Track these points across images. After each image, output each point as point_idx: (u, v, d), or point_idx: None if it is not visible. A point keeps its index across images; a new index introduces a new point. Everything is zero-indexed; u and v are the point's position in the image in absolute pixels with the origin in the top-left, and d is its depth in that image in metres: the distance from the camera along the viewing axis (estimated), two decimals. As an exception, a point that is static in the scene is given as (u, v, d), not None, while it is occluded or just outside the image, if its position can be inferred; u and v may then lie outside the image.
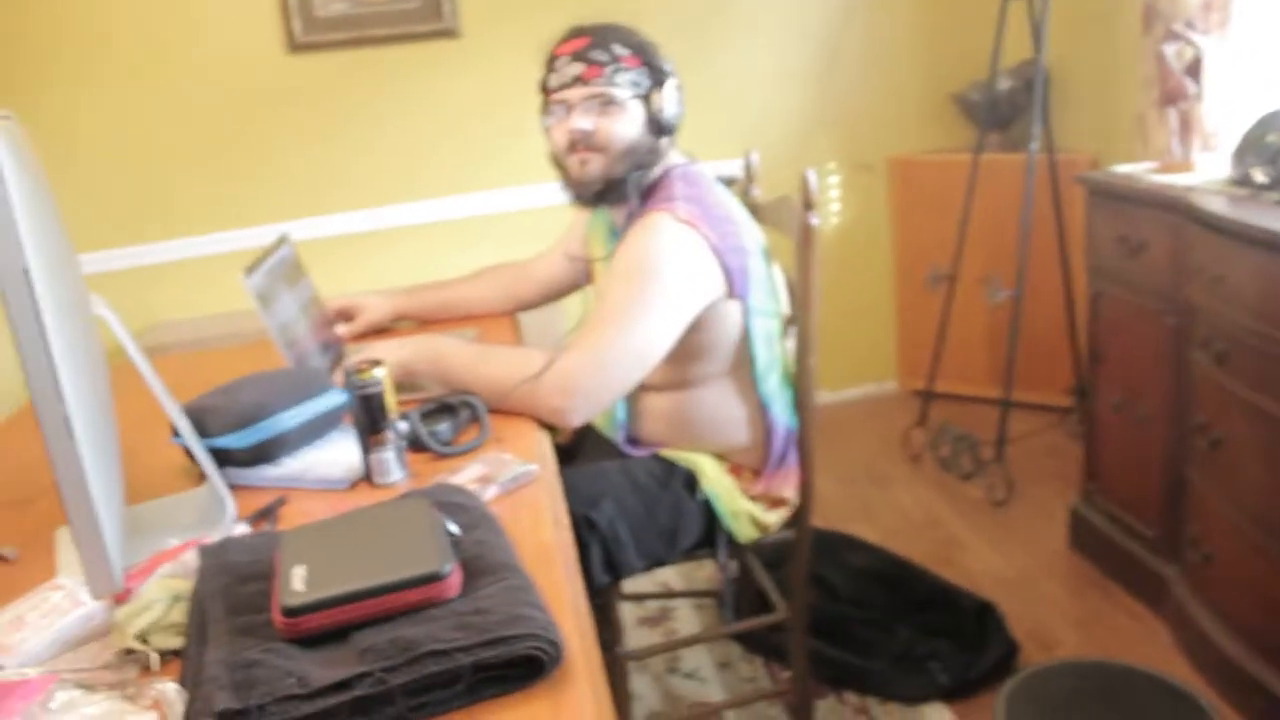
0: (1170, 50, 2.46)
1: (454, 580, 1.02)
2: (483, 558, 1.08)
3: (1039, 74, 3.04)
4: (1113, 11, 3.20)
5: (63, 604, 1.15)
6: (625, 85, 1.75)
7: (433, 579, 1.01)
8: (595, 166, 1.79)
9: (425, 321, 2.24)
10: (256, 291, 1.69)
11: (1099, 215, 2.52)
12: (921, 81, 3.76)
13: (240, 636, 1.00)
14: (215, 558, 1.14)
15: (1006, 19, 3.14)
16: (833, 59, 3.68)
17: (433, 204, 3.49)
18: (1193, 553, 2.25)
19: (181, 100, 3.27)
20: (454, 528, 1.13)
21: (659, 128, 1.78)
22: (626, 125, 1.76)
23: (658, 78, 1.78)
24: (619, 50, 1.76)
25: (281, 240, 1.96)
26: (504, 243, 3.47)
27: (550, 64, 1.81)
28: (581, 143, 1.78)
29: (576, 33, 1.79)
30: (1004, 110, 3.46)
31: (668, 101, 1.78)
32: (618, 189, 1.79)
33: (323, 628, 0.99)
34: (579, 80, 1.75)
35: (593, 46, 1.76)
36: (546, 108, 1.83)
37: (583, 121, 1.76)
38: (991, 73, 3.22)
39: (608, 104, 1.75)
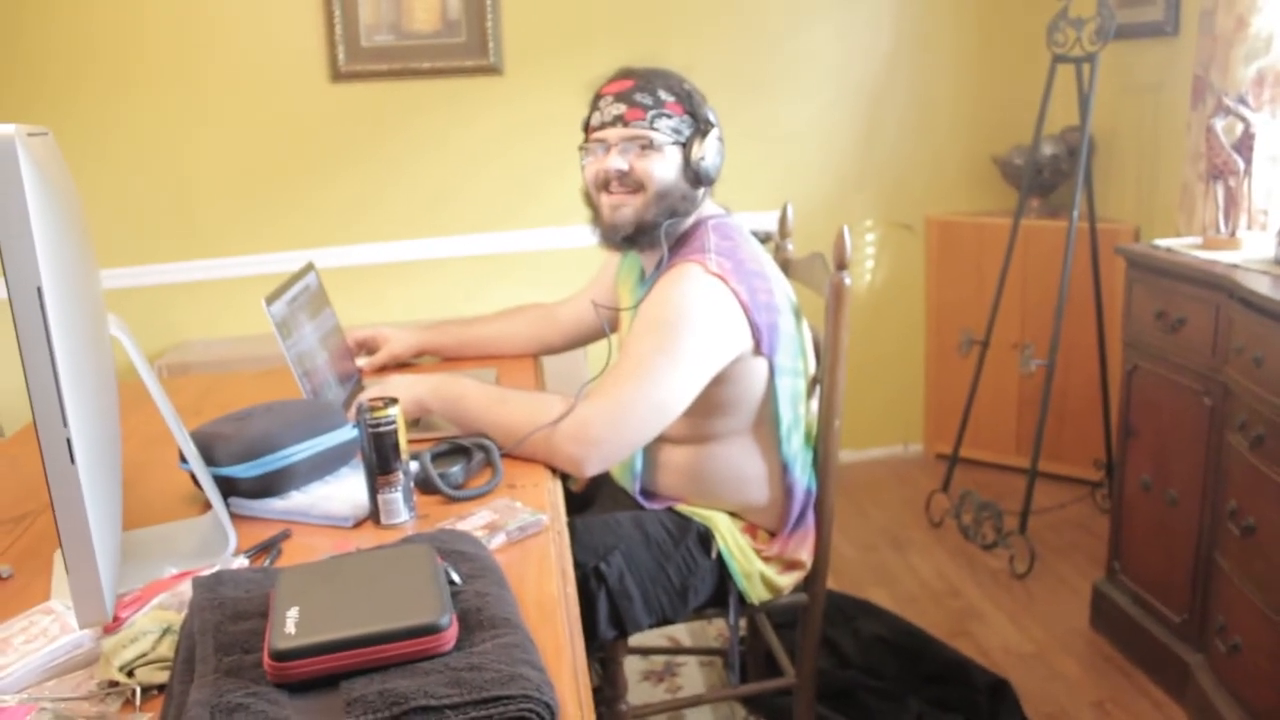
0: (1220, 124, 2.42)
1: (450, 633, 0.98)
2: (483, 610, 1.05)
3: (1084, 141, 3.01)
4: (1162, 82, 3.17)
5: (51, 629, 1.12)
6: (666, 130, 1.73)
7: (429, 630, 0.97)
8: (628, 211, 1.76)
9: (447, 358, 2.21)
10: (277, 320, 1.67)
11: (1139, 288, 2.47)
12: (963, 142, 3.73)
13: (226, 677, 0.96)
14: (209, 591, 1.11)
15: (1053, 84, 3.12)
16: (875, 115, 3.67)
17: (463, 239, 3.49)
18: (1220, 641, 2.17)
19: (217, 120, 3.29)
20: (455, 576, 1.10)
21: (696, 177, 1.76)
22: (663, 169, 1.74)
23: (700, 127, 1.76)
24: (663, 95, 1.74)
25: (307, 268, 1.95)
26: (532, 282, 3.47)
27: (594, 103, 1.79)
28: (616, 181, 1.76)
29: (624, 74, 1.78)
30: (1046, 176, 3.43)
31: (708, 151, 1.75)
32: (649, 234, 1.77)
33: (312, 674, 0.95)
34: (620, 120, 1.74)
35: (638, 89, 1.74)
36: (586, 145, 1.81)
37: (619, 161, 1.75)
38: (1035, 137, 3.19)
39: (646, 147, 1.73)
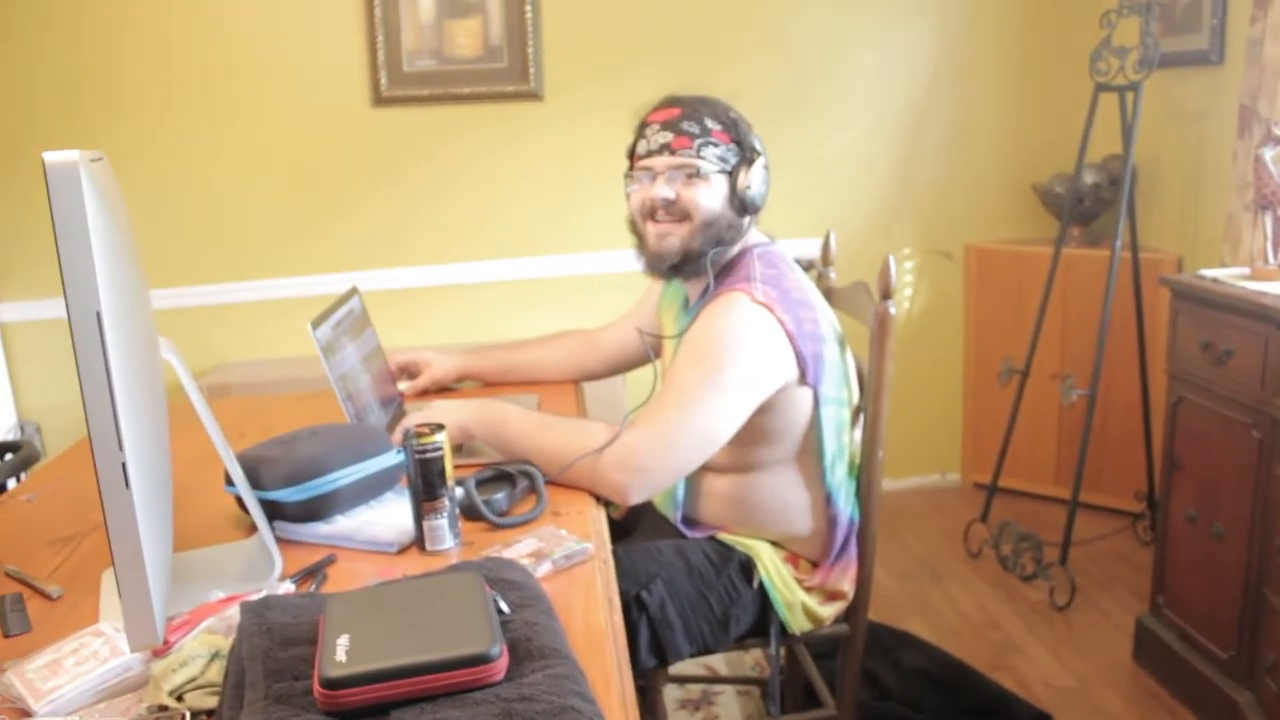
0: (1269, 154, 2.40)
1: (501, 663, 0.98)
2: (532, 640, 1.04)
3: (1127, 170, 2.99)
4: (1207, 110, 3.14)
5: (101, 651, 1.12)
6: (712, 159, 1.73)
7: (480, 660, 0.96)
8: (674, 240, 1.76)
9: (488, 383, 2.22)
10: (323, 344, 1.68)
11: (1184, 319, 2.44)
12: (1004, 170, 3.71)
13: (276, 704, 0.96)
14: (257, 616, 1.11)
15: (1096, 112, 3.10)
16: (915, 142, 3.66)
17: (503, 263, 3.50)
18: (1270, 680, 2.13)
19: (260, 143, 3.33)
20: (504, 606, 1.09)
21: (742, 205, 1.76)
22: (709, 198, 1.74)
23: (747, 155, 1.76)
24: (710, 124, 1.74)
25: (351, 292, 1.96)
26: (572, 307, 3.47)
27: (641, 130, 1.79)
28: (662, 209, 1.75)
29: (671, 102, 1.78)
30: (1087, 205, 3.40)
31: (754, 180, 1.75)
32: (694, 263, 1.76)
33: (363, 703, 0.95)
34: (667, 149, 1.74)
35: (685, 118, 1.74)
36: (631, 173, 1.81)
37: (665, 189, 1.74)
38: (1077, 166, 3.17)
39: (693, 175, 1.73)
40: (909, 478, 3.91)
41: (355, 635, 1.00)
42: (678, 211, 1.75)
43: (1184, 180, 3.29)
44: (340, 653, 0.97)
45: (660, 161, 1.74)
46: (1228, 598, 2.30)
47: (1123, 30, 3.05)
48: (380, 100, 3.33)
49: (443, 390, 2.20)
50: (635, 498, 1.63)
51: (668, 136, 1.74)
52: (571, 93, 3.41)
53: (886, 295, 1.79)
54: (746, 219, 1.79)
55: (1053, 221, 3.60)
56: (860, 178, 3.65)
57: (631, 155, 1.81)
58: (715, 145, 1.73)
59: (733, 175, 1.74)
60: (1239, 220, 2.76)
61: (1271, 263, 2.39)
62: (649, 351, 2.01)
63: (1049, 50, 3.63)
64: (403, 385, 2.16)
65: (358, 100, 3.34)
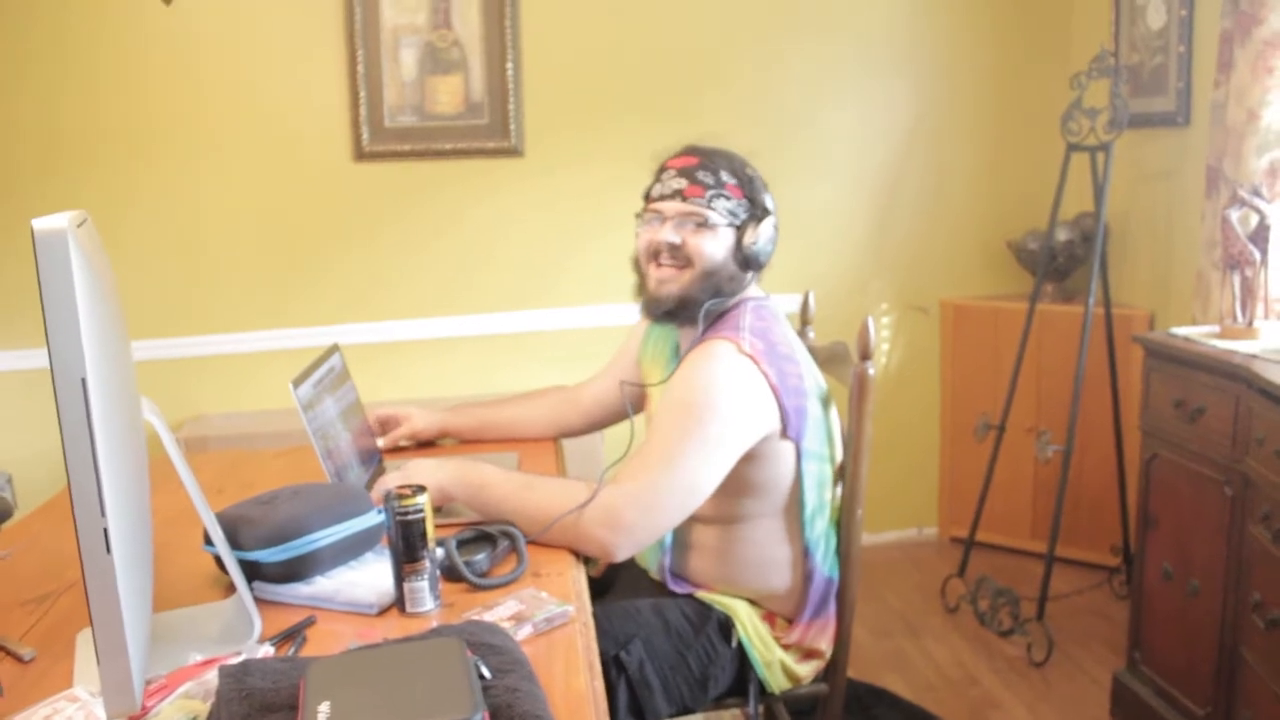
0: (1235, 215, 2.45)
1: (482, 730, 0.98)
2: (514, 706, 1.04)
3: (1099, 228, 3.04)
4: (1175, 170, 3.21)
5: (76, 717, 1.11)
6: (722, 211, 1.76)
7: (461, 728, 0.96)
8: (674, 287, 1.78)
9: (466, 440, 2.21)
10: (304, 402, 1.68)
11: (1156, 377, 2.47)
12: (979, 227, 3.77)
13: (255, 773, 0.95)
14: (236, 681, 1.10)
15: (1068, 171, 3.15)
16: (891, 198, 3.71)
17: (482, 318, 3.51)
18: (1246, 738, 2.14)
19: (240, 195, 3.33)
20: (486, 671, 1.09)
21: (745, 260, 1.78)
22: (714, 248, 1.76)
23: (757, 213, 1.79)
24: (725, 177, 1.77)
25: (332, 349, 1.97)
26: (551, 361, 3.48)
27: (658, 174, 1.83)
28: (666, 253, 1.78)
29: (690, 151, 1.81)
30: (1061, 261, 3.45)
31: (761, 237, 1.78)
32: (691, 310, 1.78)
33: (343, 772, 0.94)
34: (679, 195, 1.77)
35: (701, 167, 1.77)
36: (643, 214, 1.84)
37: (672, 235, 1.77)
38: (1050, 223, 3.22)
39: (701, 224, 1.76)
40: (885, 532, 3.91)
41: (336, 702, 0.99)
42: (681, 258, 1.77)
43: (1154, 238, 3.35)
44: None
45: (671, 207, 1.77)
46: (1203, 654, 2.32)
47: (1093, 92, 3.11)
48: (362, 155, 3.35)
49: (421, 446, 2.20)
50: (621, 556, 1.63)
51: (682, 183, 1.77)
52: (551, 149, 3.44)
53: (866, 356, 1.81)
54: (749, 274, 1.81)
55: (1027, 277, 3.65)
56: (838, 234, 3.69)
57: (646, 197, 1.84)
58: (727, 199, 1.76)
59: (740, 230, 1.77)
60: (1208, 278, 2.81)
61: (1240, 321, 2.44)
62: (628, 407, 2.02)
63: (1022, 111, 3.70)
64: (381, 441, 2.15)
65: (339, 155, 3.36)
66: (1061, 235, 3.42)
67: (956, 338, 3.75)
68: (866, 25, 3.61)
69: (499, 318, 3.52)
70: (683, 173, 1.78)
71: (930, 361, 3.84)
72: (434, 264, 3.46)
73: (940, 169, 3.72)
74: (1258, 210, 2.43)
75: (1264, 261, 2.43)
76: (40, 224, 0.95)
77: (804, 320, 2.22)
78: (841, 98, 3.62)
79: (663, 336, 1.99)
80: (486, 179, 3.44)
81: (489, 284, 3.50)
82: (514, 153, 3.41)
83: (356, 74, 3.29)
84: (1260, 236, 2.43)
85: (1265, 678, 2.07)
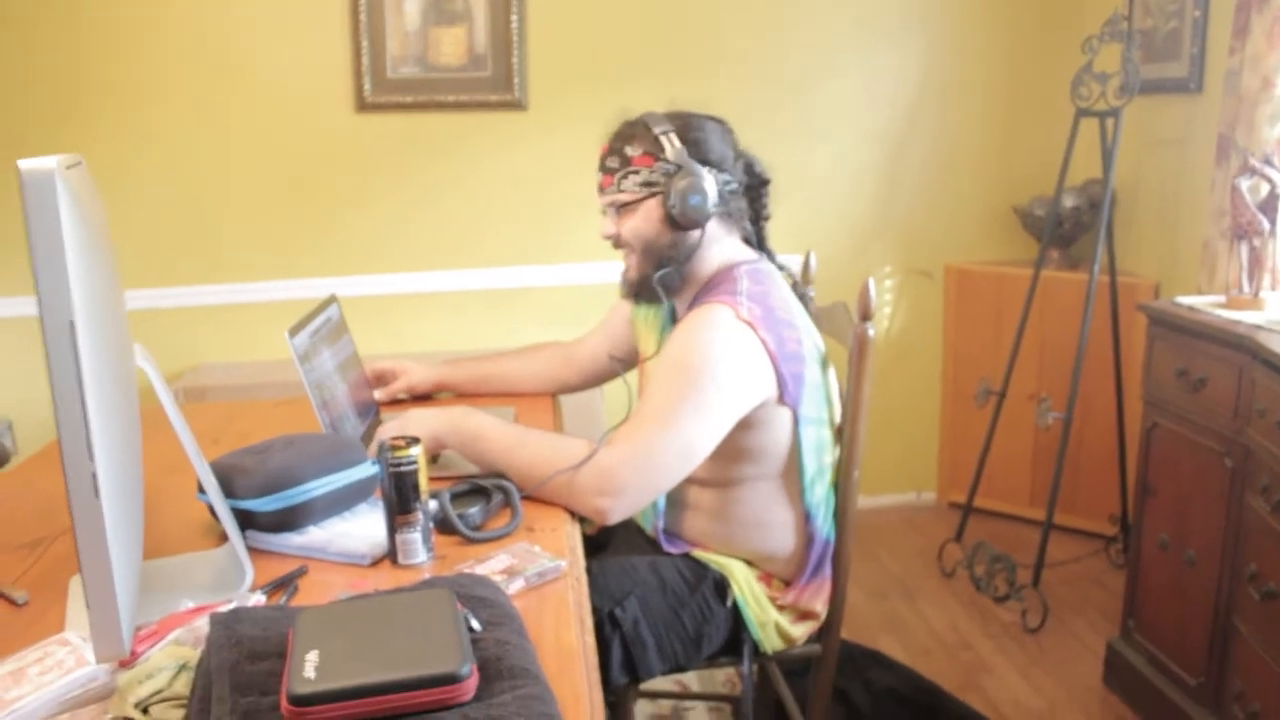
0: (1245, 184, 2.42)
1: (470, 683, 0.97)
2: (502, 659, 1.04)
3: (1106, 195, 3.01)
4: (1186, 138, 3.17)
5: (66, 661, 1.11)
6: (633, 188, 1.74)
7: (449, 680, 0.96)
8: (632, 274, 1.82)
9: (463, 394, 2.21)
10: (300, 352, 1.67)
11: (1160, 346, 2.46)
12: (985, 191, 3.74)
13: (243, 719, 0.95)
14: (226, 628, 1.10)
15: (1077, 137, 3.12)
16: (898, 162, 3.67)
17: (483, 273, 3.49)
18: (1237, 708, 2.15)
19: (242, 146, 3.31)
20: (476, 624, 1.08)
21: (676, 221, 1.74)
22: (640, 224, 1.76)
23: (675, 171, 1.72)
24: (630, 152, 1.74)
25: (329, 300, 1.96)
26: (552, 318, 3.47)
27: None
28: (615, 244, 1.82)
29: (608, 137, 1.80)
30: (1067, 228, 3.43)
31: (682, 193, 1.70)
32: (648, 289, 1.79)
33: (330, 720, 0.94)
34: (600, 188, 1.80)
35: (609, 153, 1.78)
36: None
37: (609, 227, 1.81)
38: (1057, 189, 3.19)
39: (622, 208, 1.78)
40: (884, 495, 3.92)
41: (325, 651, 0.99)
42: (625, 245, 1.80)
43: (1162, 206, 3.32)
44: (309, 669, 0.96)
45: (600, 202, 1.81)
46: (1197, 624, 2.32)
47: (1104, 56, 3.07)
48: (363, 106, 3.32)
49: (419, 399, 2.19)
50: (614, 518, 1.62)
51: (599, 176, 1.79)
52: (555, 104, 3.41)
53: (866, 317, 1.79)
54: (696, 232, 1.76)
55: (1032, 243, 3.62)
56: (842, 196, 3.66)
57: None
58: (635, 172, 1.74)
59: (667, 194, 1.73)
60: (1215, 247, 2.79)
61: (1246, 291, 2.42)
62: (622, 366, 2.01)
63: (1031, 74, 3.66)
64: (378, 393, 2.15)
65: (341, 105, 3.33)
66: (1068, 201, 3.39)
67: (960, 303, 3.73)
68: (878, -16, 3.56)
69: (500, 272, 3.50)
70: (600, 165, 1.79)
71: (933, 326, 3.83)
72: (435, 217, 3.44)
73: (948, 132, 3.68)
74: (1269, 179, 2.40)
75: (1273, 232, 2.41)
76: (27, 164, 0.93)
77: (805, 281, 2.20)
78: (849, 59, 3.58)
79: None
80: (489, 133, 3.41)
81: (490, 238, 3.48)
82: (517, 106, 3.38)
83: (359, 23, 3.25)
84: (1270, 206, 2.40)
85: (1258, 649, 2.07)
